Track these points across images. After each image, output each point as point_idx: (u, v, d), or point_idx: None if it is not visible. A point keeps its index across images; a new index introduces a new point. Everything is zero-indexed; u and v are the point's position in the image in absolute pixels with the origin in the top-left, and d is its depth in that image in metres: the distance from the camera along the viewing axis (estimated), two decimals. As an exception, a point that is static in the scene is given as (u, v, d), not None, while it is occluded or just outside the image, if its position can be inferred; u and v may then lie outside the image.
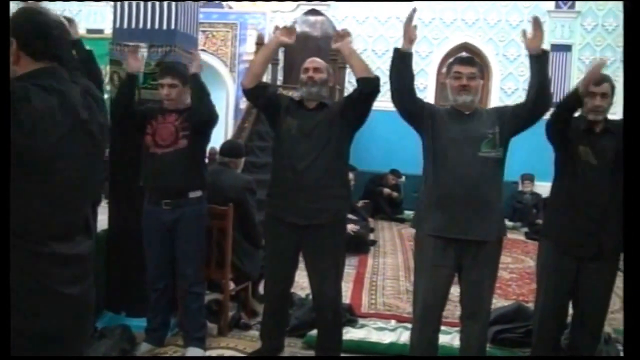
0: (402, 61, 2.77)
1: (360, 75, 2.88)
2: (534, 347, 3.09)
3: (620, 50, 9.03)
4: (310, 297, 3.19)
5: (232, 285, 3.62)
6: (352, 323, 3.58)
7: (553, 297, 2.95)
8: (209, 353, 3.19)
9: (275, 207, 2.99)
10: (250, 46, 9.15)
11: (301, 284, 3.64)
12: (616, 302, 3.06)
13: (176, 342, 3.31)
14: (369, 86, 2.88)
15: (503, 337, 3.39)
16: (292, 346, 3.32)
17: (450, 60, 2.96)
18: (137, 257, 3.26)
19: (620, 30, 9.05)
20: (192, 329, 3.20)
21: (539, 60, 2.71)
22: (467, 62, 2.83)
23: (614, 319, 4.04)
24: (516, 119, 2.75)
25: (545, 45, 9.56)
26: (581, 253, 2.83)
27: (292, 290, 3.40)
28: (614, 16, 9.09)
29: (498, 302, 3.99)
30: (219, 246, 3.43)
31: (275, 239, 3.02)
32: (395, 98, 2.80)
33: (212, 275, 3.48)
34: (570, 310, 3.02)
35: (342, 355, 3.07)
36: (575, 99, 2.75)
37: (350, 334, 3.40)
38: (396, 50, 2.78)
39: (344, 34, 2.95)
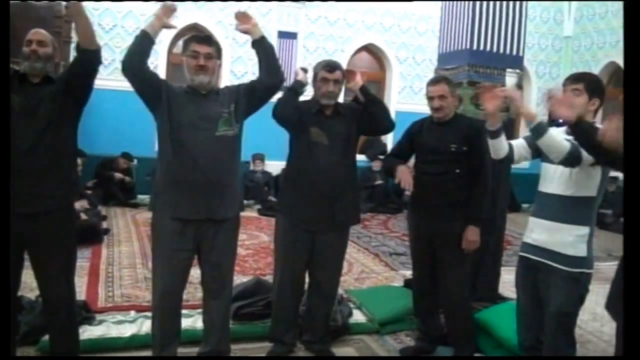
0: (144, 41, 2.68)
1: (83, 47, 2.60)
2: (274, 317, 3.27)
3: (341, 41, 9.97)
4: (40, 298, 2.87)
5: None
6: (89, 320, 3.35)
7: (291, 268, 3.15)
8: None
9: None
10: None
11: (29, 284, 3.25)
12: (344, 266, 3.40)
13: None
14: (88, 58, 2.62)
15: (244, 312, 3.49)
16: (25, 355, 2.98)
17: (187, 37, 2.89)
18: None
19: (342, 23, 9.99)
20: None
21: (261, 43, 2.85)
22: (205, 41, 2.80)
23: (344, 281, 4.53)
24: (252, 94, 2.84)
25: (273, 32, 10.00)
26: (315, 226, 3.06)
27: (20, 292, 3.02)
28: (336, 10, 9.95)
29: (237, 279, 4.10)
30: None
31: None
32: (129, 76, 2.68)
33: None
34: (307, 279, 3.26)
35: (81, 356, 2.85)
36: None
37: (88, 332, 3.18)
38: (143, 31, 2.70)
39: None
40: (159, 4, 2.77)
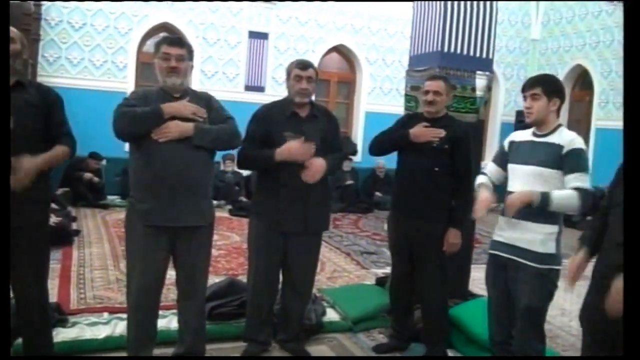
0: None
1: None
2: (248, 316, 3.28)
3: (312, 42, 10.00)
4: (13, 301, 2.83)
5: None
6: (63, 323, 3.31)
7: (264, 269, 3.16)
8: None
9: None
10: None
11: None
12: (318, 266, 3.43)
13: None
14: None
15: (218, 312, 3.49)
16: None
17: (159, 39, 2.88)
18: None
19: (313, 23, 10.01)
20: None
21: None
22: (176, 43, 2.78)
23: (317, 280, 4.54)
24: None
25: (244, 32, 9.94)
26: (288, 229, 3.07)
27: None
28: (307, 10, 9.96)
29: (210, 279, 4.04)
30: None
31: None
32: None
33: None
34: (281, 278, 3.27)
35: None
36: None
37: (62, 334, 3.15)
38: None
39: None
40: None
